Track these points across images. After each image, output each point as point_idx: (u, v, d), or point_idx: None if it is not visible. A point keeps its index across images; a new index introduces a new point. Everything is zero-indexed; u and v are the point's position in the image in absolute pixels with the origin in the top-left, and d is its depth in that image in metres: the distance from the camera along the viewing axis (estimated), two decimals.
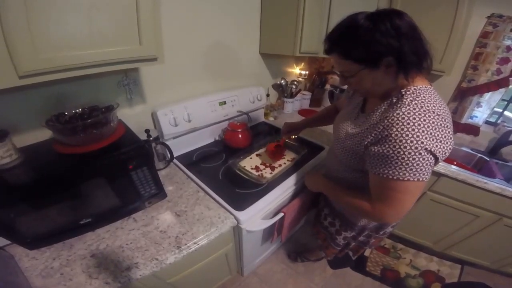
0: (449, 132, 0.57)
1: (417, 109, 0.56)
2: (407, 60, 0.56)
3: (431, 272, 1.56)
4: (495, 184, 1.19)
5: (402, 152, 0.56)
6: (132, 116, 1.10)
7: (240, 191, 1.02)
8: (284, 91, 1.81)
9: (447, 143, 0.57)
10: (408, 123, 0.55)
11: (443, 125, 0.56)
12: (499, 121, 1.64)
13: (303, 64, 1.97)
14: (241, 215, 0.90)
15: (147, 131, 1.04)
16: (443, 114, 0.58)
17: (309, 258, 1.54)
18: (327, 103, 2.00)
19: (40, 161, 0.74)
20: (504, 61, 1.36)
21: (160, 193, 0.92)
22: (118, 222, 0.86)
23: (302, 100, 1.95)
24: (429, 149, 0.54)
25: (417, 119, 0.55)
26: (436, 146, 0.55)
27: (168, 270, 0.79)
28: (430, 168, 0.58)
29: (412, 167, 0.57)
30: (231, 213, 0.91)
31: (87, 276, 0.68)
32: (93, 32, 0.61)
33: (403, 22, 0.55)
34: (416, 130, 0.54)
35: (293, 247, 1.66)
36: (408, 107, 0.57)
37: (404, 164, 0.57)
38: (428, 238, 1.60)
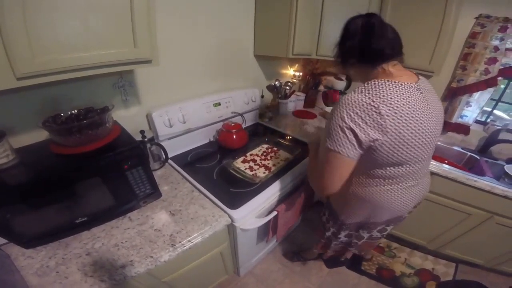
0: (377, 121, 0.62)
1: (356, 95, 0.65)
2: (365, 56, 0.69)
3: (426, 270, 1.57)
4: (485, 182, 1.22)
5: (331, 125, 0.67)
6: (128, 118, 1.12)
7: (234, 190, 1.03)
8: (279, 92, 1.84)
9: (370, 128, 0.62)
10: (343, 103, 0.66)
11: (372, 113, 0.62)
12: (488, 120, 1.67)
13: (297, 65, 2.00)
14: (235, 213, 0.91)
15: (142, 132, 1.05)
16: (382, 105, 0.61)
17: (306, 257, 1.55)
18: (320, 104, 2.03)
19: (37, 162, 0.75)
20: (492, 61, 1.39)
21: (155, 193, 0.94)
22: (114, 221, 0.87)
23: (297, 101, 1.97)
24: (348, 126, 0.63)
25: (350, 101, 0.64)
26: (354, 125, 0.63)
27: (163, 268, 0.80)
28: (348, 143, 0.65)
29: (333, 137, 0.67)
30: (225, 212, 0.92)
31: (83, 274, 0.69)
32: (88, 35, 0.62)
33: (354, 24, 0.69)
34: (344, 108, 0.64)
35: (289, 246, 1.67)
36: (353, 93, 0.67)
37: (330, 134, 0.68)
38: (422, 236, 1.61)
